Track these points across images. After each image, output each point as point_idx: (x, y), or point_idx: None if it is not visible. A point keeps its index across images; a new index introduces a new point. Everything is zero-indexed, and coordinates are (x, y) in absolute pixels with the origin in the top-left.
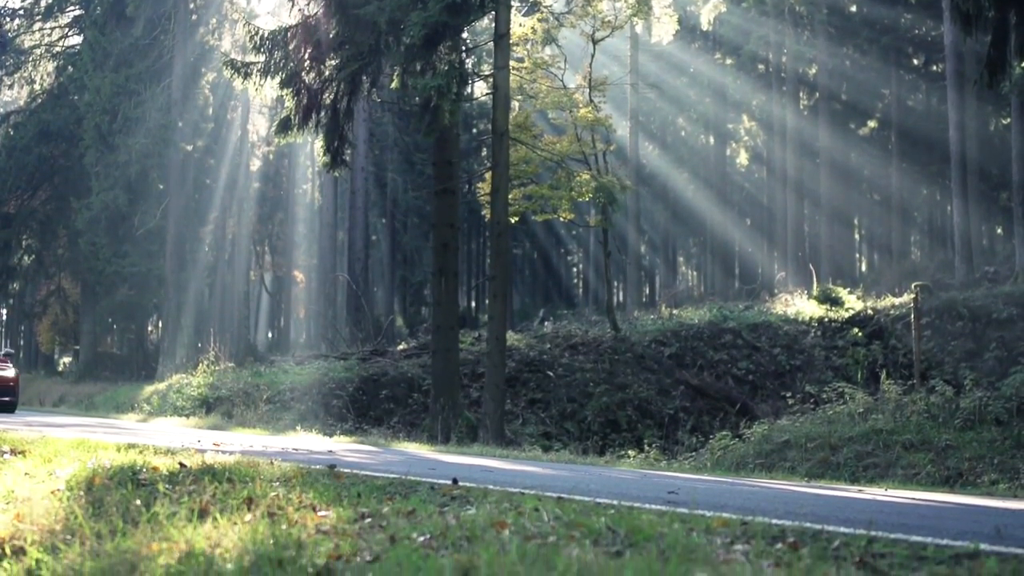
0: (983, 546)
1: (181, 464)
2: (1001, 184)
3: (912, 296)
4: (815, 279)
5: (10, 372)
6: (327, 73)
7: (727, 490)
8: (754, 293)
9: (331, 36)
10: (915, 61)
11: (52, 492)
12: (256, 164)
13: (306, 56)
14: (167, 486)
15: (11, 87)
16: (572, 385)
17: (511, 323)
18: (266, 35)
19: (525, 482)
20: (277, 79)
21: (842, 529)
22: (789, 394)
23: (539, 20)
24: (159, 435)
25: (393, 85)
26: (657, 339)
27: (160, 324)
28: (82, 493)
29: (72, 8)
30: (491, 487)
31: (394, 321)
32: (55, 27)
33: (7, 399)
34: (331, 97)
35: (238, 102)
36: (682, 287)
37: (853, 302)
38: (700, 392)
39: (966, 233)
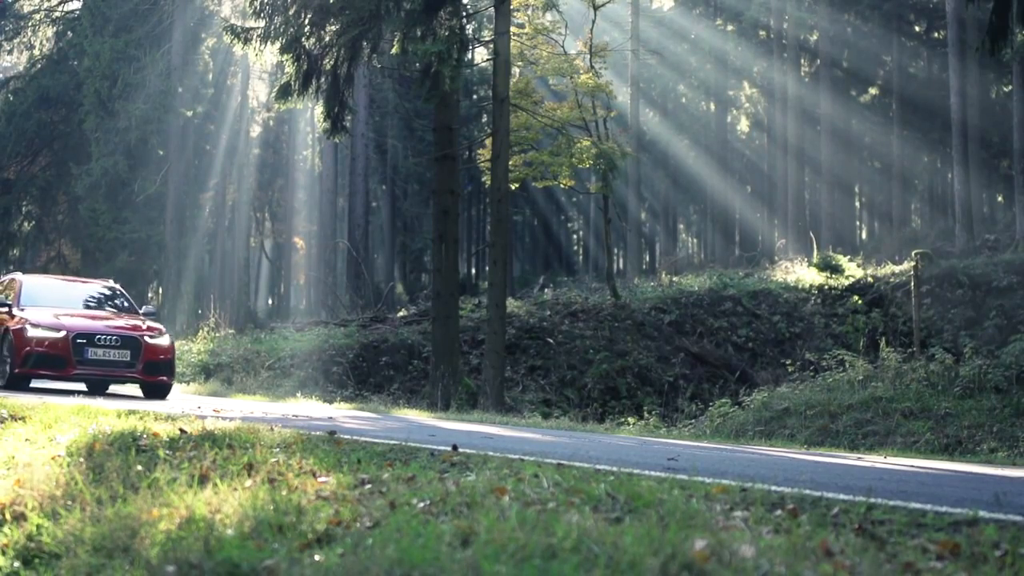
0: (982, 513)
1: (181, 430)
2: (1002, 152)
3: (912, 264)
4: (815, 246)
5: (164, 340)
6: (327, 39)
7: (726, 457)
8: (754, 260)
9: (331, 1)
10: (917, 28)
11: (53, 458)
12: (256, 130)
13: (306, 21)
14: (167, 452)
15: (10, 52)
16: (572, 352)
17: (511, 290)
18: (266, 0)
19: (525, 448)
20: (277, 44)
21: (841, 496)
22: (789, 361)
23: None
24: (159, 401)
25: (393, 51)
26: (657, 306)
27: (160, 291)
28: (83, 459)
29: None
30: (491, 453)
31: (394, 288)
32: None
33: (162, 378)
34: (331, 63)
35: (238, 68)
36: (682, 254)
37: (853, 270)
38: (700, 359)
39: (967, 201)
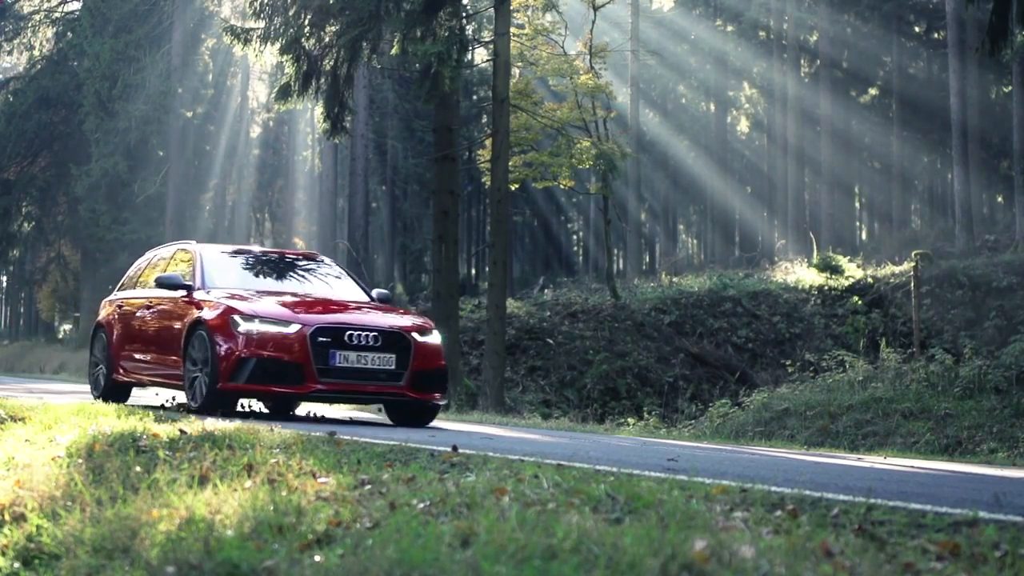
0: (982, 514)
1: (181, 431)
2: (1002, 152)
3: (912, 264)
4: (815, 247)
5: (436, 339)
6: (327, 39)
7: (726, 458)
8: (754, 261)
9: (331, 2)
10: (916, 28)
11: (53, 459)
12: (256, 131)
13: (306, 22)
14: (167, 453)
15: (10, 53)
16: (572, 353)
17: (511, 290)
18: (266, 1)
19: (525, 449)
20: (277, 45)
21: (841, 497)
22: (789, 362)
23: None
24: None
25: (393, 51)
26: (657, 307)
27: None
28: (82, 460)
29: None
30: (491, 454)
31: (394, 288)
32: None
33: (435, 396)
34: (331, 63)
35: (238, 68)
36: (682, 255)
37: (853, 270)
38: (700, 360)
39: (966, 201)
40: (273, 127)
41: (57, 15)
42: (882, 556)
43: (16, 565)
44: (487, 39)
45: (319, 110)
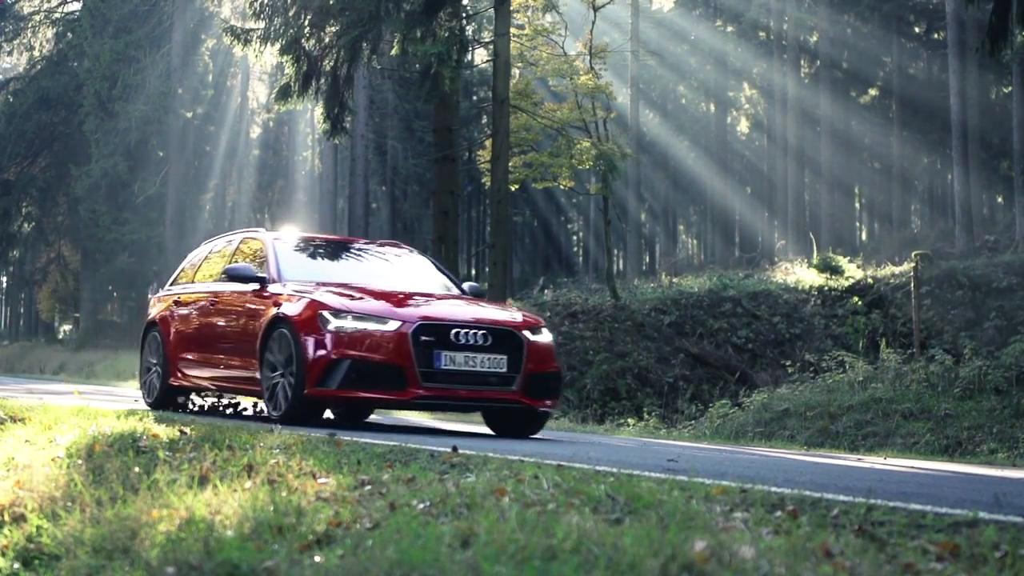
0: (982, 514)
1: (181, 431)
2: (1002, 153)
3: (912, 265)
4: (815, 247)
5: (548, 337)
6: (327, 40)
7: (726, 458)
8: (754, 261)
9: (331, 2)
10: (916, 29)
11: (52, 459)
12: (256, 131)
13: (306, 22)
14: (167, 453)
15: (10, 54)
16: (571, 353)
17: (511, 291)
18: (266, 1)
19: (524, 450)
20: (277, 46)
21: (841, 497)
22: (789, 363)
23: None
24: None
25: (393, 52)
26: (657, 307)
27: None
28: (82, 460)
29: None
30: (491, 454)
31: None
32: None
33: (547, 403)
34: (331, 64)
35: (238, 69)
36: (682, 255)
37: (853, 271)
38: (700, 360)
39: (966, 202)
40: (273, 127)
41: (57, 15)
42: (882, 556)
43: (16, 565)
44: (487, 40)
45: (319, 110)
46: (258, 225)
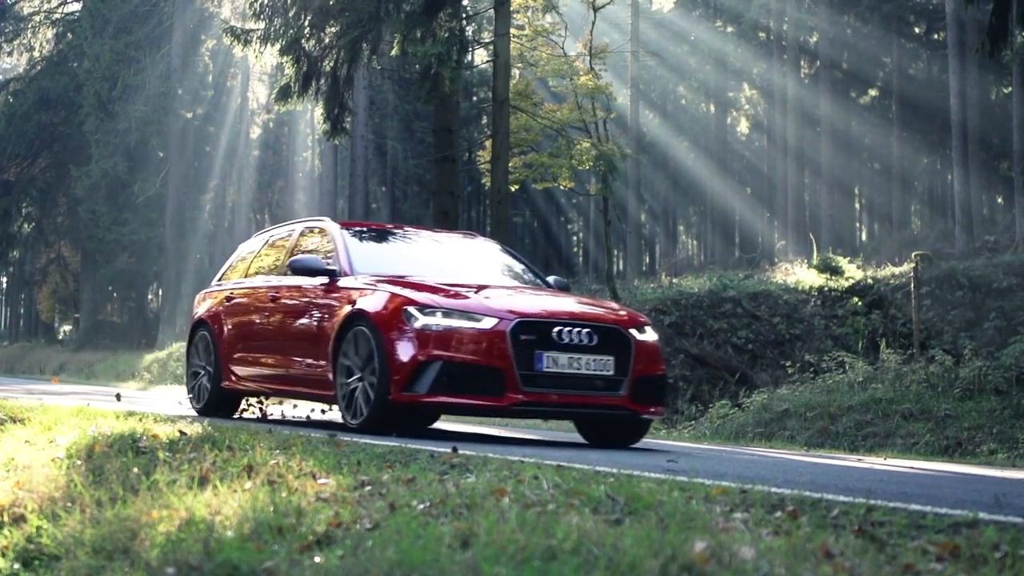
0: (982, 515)
1: (181, 432)
2: (1002, 153)
3: (912, 265)
4: (815, 248)
5: (653, 337)
6: (327, 40)
7: (726, 458)
8: (754, 262)
9: (331, 3)
10: (916, 29)
11: (52, 460)
12: (256, 132)
13: (306, 23)
14: (167, 454)
15: (10, 54)
16: None
17: None
18: (266, 2)
19: (524, 450)
20: (277, 46)
21: (841, 498)
22: (789, 363)
23: None
24: (159, 403)
25: (393, 52)
26: (657, 307)
27: (160, 292)
28: (82, 461)
29: None
30: (490, 455)
31: None
32: None
33: (653, 410)
34: (331, 64)
35: (238, 69)
36: (682, 256)
37: (853, 271)
38: (700, 361)
39: (966, 202)
40: (273, 128)
41: (57, 16)
42: (882, 557)
43: (16, 566)
44: (487, 40)
45: (319, 111)
46: (258, 225)
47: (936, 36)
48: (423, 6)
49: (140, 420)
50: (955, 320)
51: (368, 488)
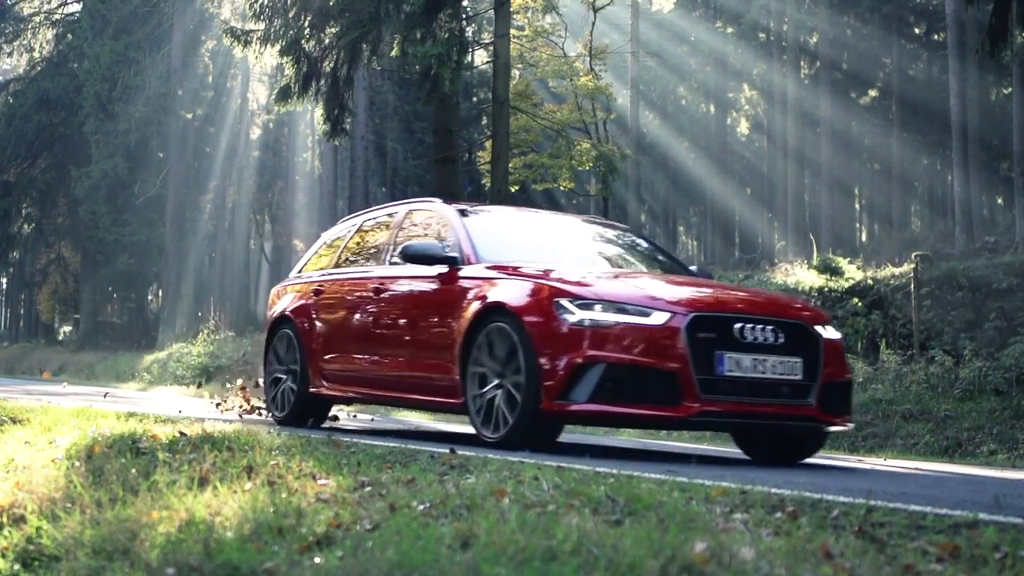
0: (982, 515)
1: (181, 433)
2: (1002, 154)
3: (912, 266)
4: (815, 248)
5: (838, 335)
6: (327, 41)
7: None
8: (754, 262)
9: (331, 3)
10: (916, 30)
11: (52, 460)
12: (256, 132)
13: (306, 24)
14: (167, 455)
15: (10, 55)
16: None
17: None
18: (265, 2)
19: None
20: (277, 47)
21: (841, 498)
22: None
23: None
24: (159, 404)
25: (393, 53)
26: None
27: (160, 293)
28: (82, 462)
29: None
30: (490, 456)
31: None
32: None
33: (843, 418)
34: (331, 65)
35: (238, 70)
36: (682, 256)
37: (853, 272)
38: None
39: (966, 203)
40: (273, 129)
41: (57, 17)
42: (882, 558)
43: (16, 567)
44: (487, 41)
45: (319, 112)
46: (258, 227)
47: (936, 37)
48: (423, 7)
49: (140, 421)
50: (955, 321)
51: (368, 489)
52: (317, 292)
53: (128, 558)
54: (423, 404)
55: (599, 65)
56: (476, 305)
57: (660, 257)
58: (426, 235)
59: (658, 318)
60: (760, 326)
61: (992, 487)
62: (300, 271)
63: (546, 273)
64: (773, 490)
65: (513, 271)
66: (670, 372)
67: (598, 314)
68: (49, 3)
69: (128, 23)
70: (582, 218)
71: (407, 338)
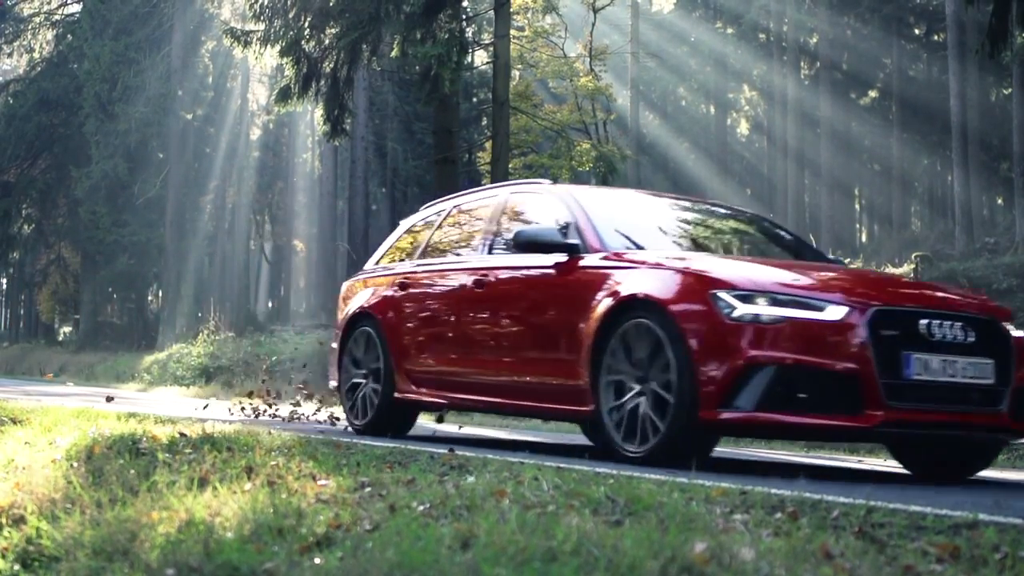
0: (982, 516)
1: (181, 433)
2: (1002, 154)
3: (912, 266)
4: None
5: (1019, 331)
6: (327, 41)
7: (727, 460)
8: None
9: (331, 4)
10: (916, 31)
11: (52, 461)
12: (256, 133)
13: (306, 24)
14: (167, 455)
15: (10, 55)
16: None
17: None
18: (266, 3)
19: (524, 451)
20: (277, 47)
21: (841, 499)
22: None
23: None
24: (159, 404)
25: (393, 54)
26: None
27: (160, 293)
28: (82, 462)
29: None
30: (490, 456)
31: None
32: None
33: None
34: (331, 66)
35: (238, 71)
36: None
37: None
38: None
39: (966, 203)
40: (273, 129)
41: (57, 17)
42: (882, 558)
43: (16, 567)
44: (487, 41)
45: (319, 112)
46: (258, 226)
47: (936, 37)
48: (423, 7)
49: (140, 422)
50: None
51: (368, 489)
52: (403, 285)
53: (128, 559)
54: (540, 411)
55: (599, 66)
56: (609, 299)
57: (800, 246)
58: (535, 221)
59: (834, 313)
60: (949, 323)
61: (992, 488)
62: (378, 262)
63: (691, 261)
64: (773, 491)
65: (651, 260)
66: (851, 376)
67: (763, 308)
68: (49, 3)
69: (128, 24)
70: (707, 203)
71: (519, 337)
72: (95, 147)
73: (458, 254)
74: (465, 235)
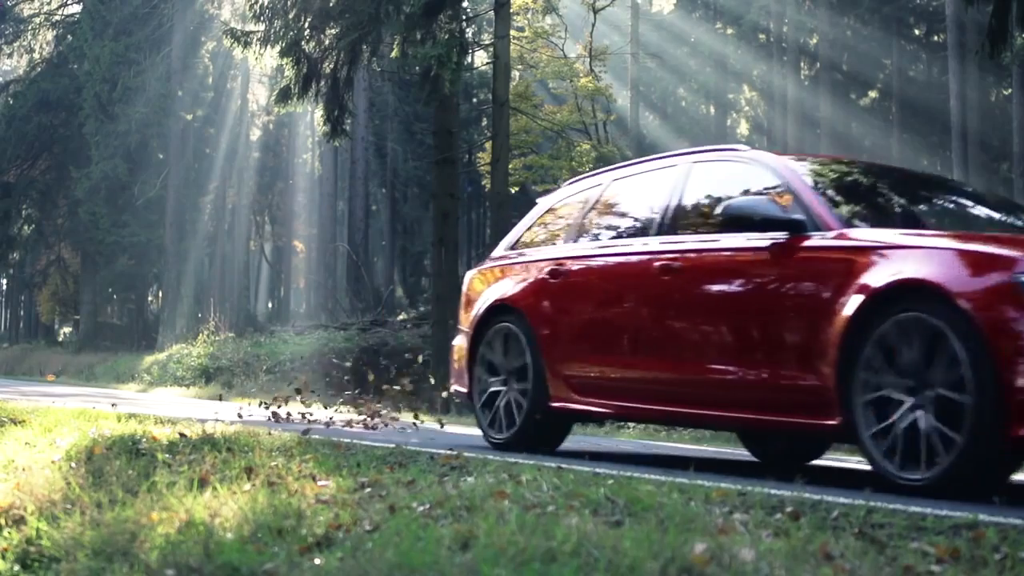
0: (982, 516)
1: (181, 434)
2: (1002, 155)
3: None
4: None
5: None
6: (327, 42)
7: (727, 460)
8: None
9: (331, 4)
10: (916, 31)
11: (52, 462)
12: (256, 134)
13: (306, 25)
14: (167, 456)
15: (10, 56)
16: None
17: None
18: (266, 4)
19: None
20: (277, 48)
21: (841, 499)
22: None
23: None
24: (159, 405)
25: (393, 54)
26: None
27: (160, 294)
28: (82, 463)
29: None
30: (490, 457)
31: (394, 291)
32: None
33: None
34: (331, 66)
35: (238, 71)
36: None
37: None
38: None
39: None
40: (273, 130)
41: (57, 18)
42: (882, 559)
43: (16, 568)
44: (487, 42)
45: (319, 113)
46: (258, 227)
47: (936, 38)
48: (423, 8)
49: (140, 422)
50: None
51: (368, 490)
52: (555, 274)
53: (128, 559)
54: (763, 424)
55: (599, 66)
56: (862, 287)
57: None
58: (731, 195)
59: None
60: None
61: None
62: (513, 246)
63: (967, 241)
64: (773, 491)
65: (906, 240)
66: None
67: None
68: (49, 4)
69: (128, 24)
70: (929, 176)
71: (732, 335)
72: (95, 148)
73: (628, 235)
74: (636, 213)
